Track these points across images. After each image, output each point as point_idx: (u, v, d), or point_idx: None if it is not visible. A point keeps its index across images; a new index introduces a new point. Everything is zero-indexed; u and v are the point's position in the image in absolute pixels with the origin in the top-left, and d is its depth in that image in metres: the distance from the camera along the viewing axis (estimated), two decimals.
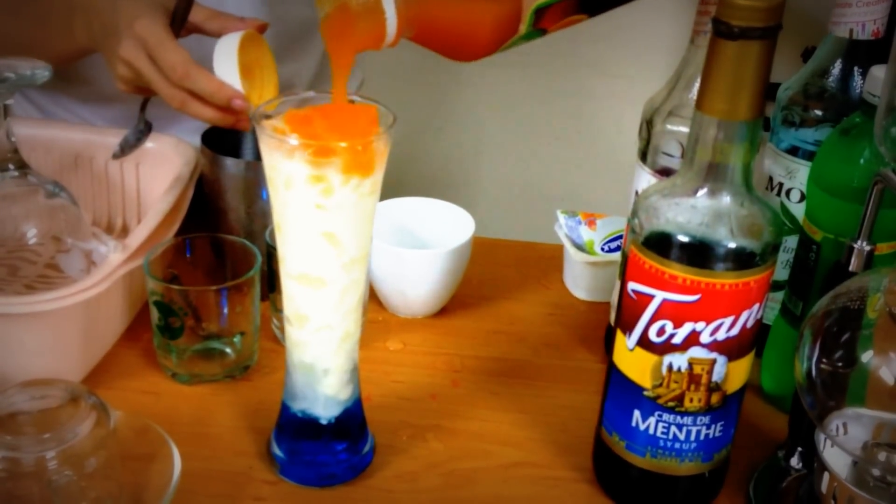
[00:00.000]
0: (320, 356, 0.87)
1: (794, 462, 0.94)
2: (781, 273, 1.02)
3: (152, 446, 0.89)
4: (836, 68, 0.96)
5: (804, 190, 0.98)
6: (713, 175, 0.79)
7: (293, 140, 0.77)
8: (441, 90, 1.41)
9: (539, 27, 0.96)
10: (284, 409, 0.92)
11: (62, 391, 0.85)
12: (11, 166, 1.02)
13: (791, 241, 1.01)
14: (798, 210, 1.00)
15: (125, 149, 1.16)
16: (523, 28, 0.94)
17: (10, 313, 0.91)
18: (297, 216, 0.81)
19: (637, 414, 0.86)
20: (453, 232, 1.15)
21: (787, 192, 1.01)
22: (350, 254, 0.83)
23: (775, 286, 1.00)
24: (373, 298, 1.16)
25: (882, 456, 0.82)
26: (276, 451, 0.92)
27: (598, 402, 0.91)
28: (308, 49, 1.38)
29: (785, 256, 1.02)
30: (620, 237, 1.21)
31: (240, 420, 0.99)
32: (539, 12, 0.95)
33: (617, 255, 1.19)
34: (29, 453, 0.80)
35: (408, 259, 1.10)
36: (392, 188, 1.46)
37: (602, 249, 1.22)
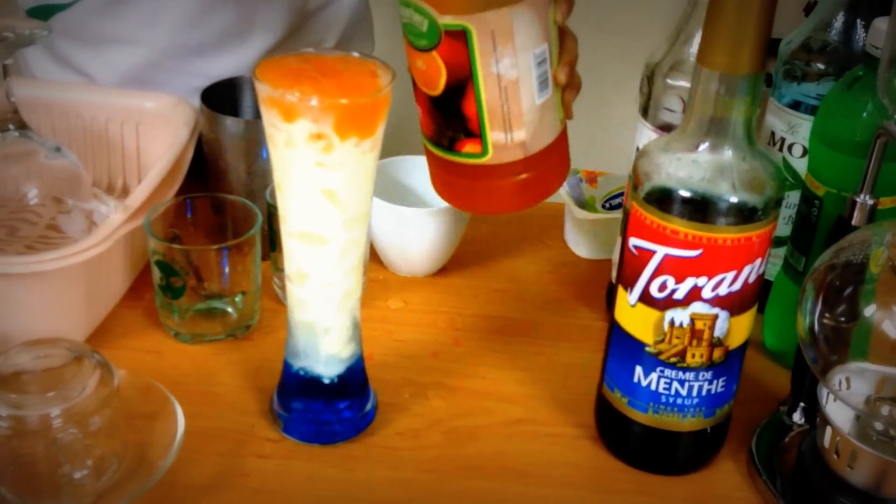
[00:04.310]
0: (322, 314, 0.87)
1: (797, 417, 0.94)
2: (784, 229, 1.01)
3: (156, 405, 0.90)
4: (839, 21, 0.95)
5: (806, 145, 0.98)
6: (715, 130, 0.78)
7: (292, 96, 0.77)
8: None
9: None
10: (286, 367, 0.92)
11: (66, 350, 0.85)
12: (12, 126, 1.02)
13: (793, 197, 1.01)
14: (800, 165, 0.99)
15: None
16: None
17: (12, 273, 0.91)
18: (298, 174, 0.81)
19: (639, 370, 0.86)
20: None
21: (790, 148, 1.00)
22: (350, 211, 0.83)
23: (777, 242, 1.00)
24: (373, 257, 1.16)
25: (885, 410, 0.82)
26: (279, 409, 0.93)
27: (600, 359, 0.91)
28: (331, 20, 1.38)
29: (787, 212, 1.02)
30: (621, 194, 1.20)
31: (242, 379, 0.99)
32: None
33: (618, 213, 1.19)
34: (33, 411, 0.80)
35: (408, 217, 1.10)
36: (393, 147, 1.46)
37: (603, 207, 1.22)
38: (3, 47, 0.97)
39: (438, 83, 0.88)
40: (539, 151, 0.92)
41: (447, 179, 0.95)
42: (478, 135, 0.89)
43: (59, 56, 1.33)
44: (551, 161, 0.94)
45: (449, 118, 0.90)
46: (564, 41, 0.92)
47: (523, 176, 0.93)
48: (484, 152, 0.90)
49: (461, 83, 0.87)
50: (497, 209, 1.00)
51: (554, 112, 0.92)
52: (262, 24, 1.27)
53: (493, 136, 0.89)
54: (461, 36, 0.85)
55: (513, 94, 0.88)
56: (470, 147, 0.90)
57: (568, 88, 0.94)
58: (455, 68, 0.87)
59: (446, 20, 0.84)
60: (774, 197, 0.79)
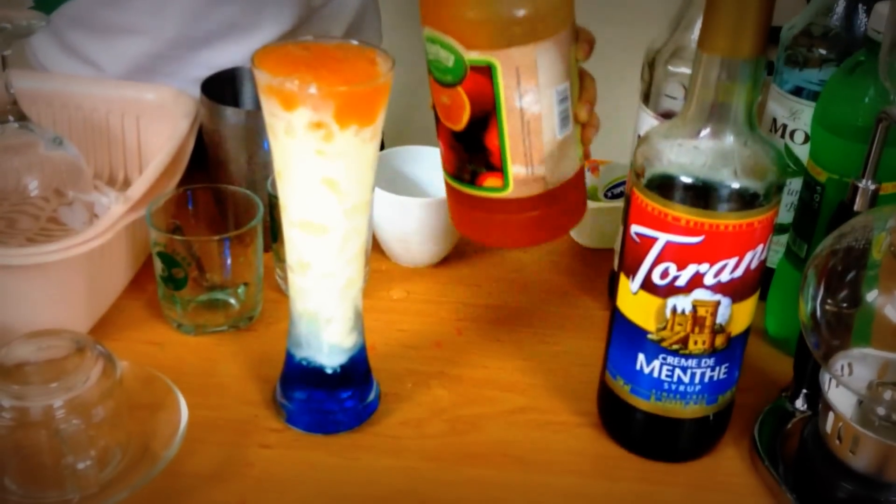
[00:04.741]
0: (324, 304, 0.87)
1: (799, 404, 0.94)
2: (786, 216, 1.01)
3: (159, 396, 0.90)
4: (840, 6, 0.95)
5: (808, 131, 0.98)
6: (716, 115, 0.78)
7: (291, 84, 0.77)
8: None
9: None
10: (289, 358, 0.92)
11: (68, 341, 0.85)
12: (11, 118, 1.02)
13: (795, 184, 1.01)
14: (802, 152, 0.99)
15: None
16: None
17: (14, 265, 0.91)
18: (298, 163, 0.81)
19: (641, 357, 0.86)
20: None
21: (792, 134, 1.00)
22: (351, 200, 0.83)
23: (779, 229, 1.00)
24: (376, 248, 1.16)
25: (887, 395, 0.82)
26: (282, 399, 0.93)
27: (602, 348, 0.91)
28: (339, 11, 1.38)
29: (789, 199, 1.02)
30: (623, 183, 1.20)
31: (245, 370, 0.99)
32: None
33: (620, 202, 1.18)
34: (36, 402, 0.80)
35: (410, 207, 1.10)
36: (395, 137, 1.46)
37: (605, 196, 1.21)
38: (2, 38, 0.97)
39: (462, 117, 0.90)
40: (558, 186, 0.94)
41: (467, 214, 0.98)
42: (499, 168, 0.92)
43: (67, 46, 1.33)
44: (570, 196, 0.96)
45: (471, 152, 0.92)
46: (584, 80, 0.94)
47: (542, 211, 0.95)
48: (505, 186, 0.92)
49: (485, 117, 0.90)
50: (515, 243, 1.03)
51: (574, 148, 0.94)
52: (270, 15, 1.27)
53: (515, 169, 0.91)
54: (486, 71, 0.87)
55: (535, 129, 0.90)
56: (491, 181, 0.93)
57: (587, 126, 0.96)
58: (479, 102, 0.89)
59: (472, 56, 0.87)
60: (776, 182, 0.79)
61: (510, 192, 0.93)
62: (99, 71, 1.31)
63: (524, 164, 0.92)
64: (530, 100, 0.89)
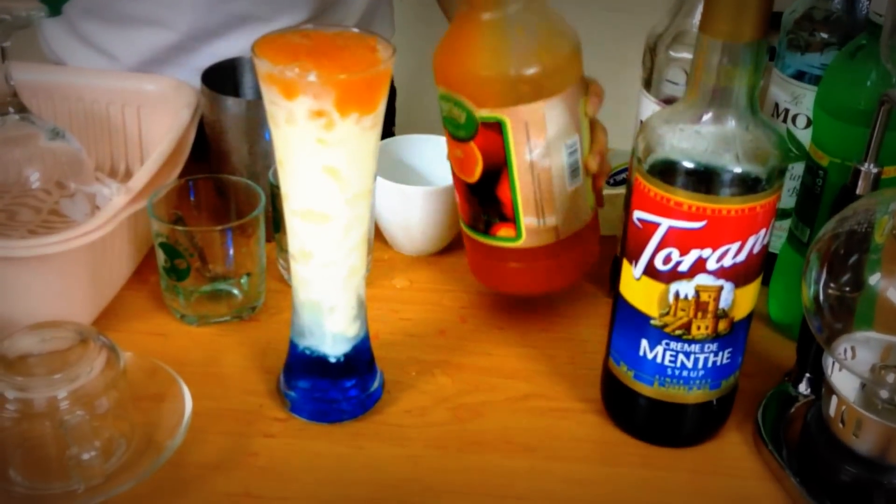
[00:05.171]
0: (326, 293, 0.87)
1: (802, 388, 0.94)
2: (788, 201, 1.01)
3: (163, 386, 0.90)
4: None
5: (811, 115, 0.98)
6: (718, 100, 0.78)
7: (291, 72, 0.77)
8: (442, 24, 1.41)
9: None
10: (292, 347, 0.92)
11: (71, 332, 0.85)
12: (12, 110, 1.02)
13: (798, 168, 1.00)
14: (804, 136, 0.99)
15: None
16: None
17: (16, 257, 0.92)
18: (299, 152, 0.81)
19: (644, 343, 0.86)
20: None
21: (794, 119, 1.00)
22: (353, 189, 0.83)
23: (782, 214, 1.00)
24: (378, 237, 1.16)
25: (890, 378, 0.82)
26: (286, 389, 0.93)
27: (605, 334, 0.91)
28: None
29: (791, 184, 1.02)
30: (626, 170, 1.20)
31: (248, 360, 0.99)
32: None
33: (623, 189, 1.18)
34: (40, 394, 0.80)
35: (412, 196, 1.10)
36: (398, 127, 1.46)
37: (608, 182, 1.21)
38: (1, 29, 0.97)
39: (475, 171, 0.95)
40: (570, 236, 0.98)
41: (483, 262, 1.02)
42: (512, 219, 0.96)
43: (81, 36, 1.33)
44: (582, 245, 1.01)
45: (485, 203, 0.97)
46: (594, 132, 0.98)
47: (554, 260, 0.99)
48: (518, 236, 0.97)
49: (497, 170, 0.94)
50: (529, 290, 1.04)
51: (585, 199, 0.99)
52: (284, 7, 1.27)
53: (527, 220, 0.96)
54: (497, 127, 0.92)
55: (545, 182, 0.94)
56: (504, 231, 0.97)
57: (598, 176, 1.00)
58: (491, 157, 0.94)
59: (483, 113, 0.92)
60: (778, 166, 0.79)
61: (523, 243, 0.97)
62: (113, 61, 1.32)
63: (536, 216, 0.96)
64: (540, 154, 0.93)
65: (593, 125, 0.98)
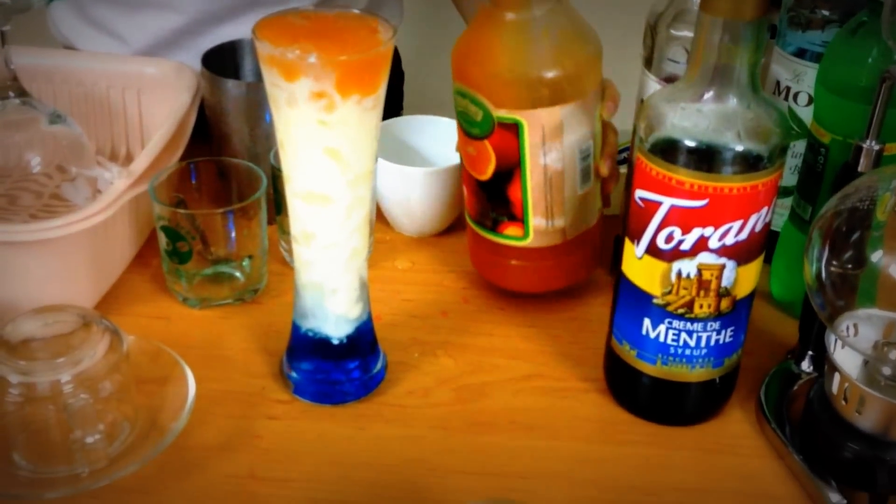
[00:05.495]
0: (329, 275, 0.87)
1: (805, 366, 0.94)
2: (790, 179, 1.01)
3: (166, 369, 0.90)
4: None
5: (812, 93, 0.97)
6: (719, 78, 0.78)
7: (292, 54, 0.76)
8: (449, 7, 1.41)
9: None
10: (295, 329, 0.92)
11: (74, 316, 0.85)
12: (12, 94, 1.01)
13: (799, 147, 1.00)
14: (806, 114, 0.99)
15: None
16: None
17: (17, 241, 0.91)
18: (300, 134, 0.81)
19: (647, 322, 0.86)
20: None
21: (795, 97, 1.00)
22: (354, 170, 0.82)
23: (783, 192, 1.00)
24: (380, 218, 1.16)
25: (893, 354, 0.82)
26: (288, 371, 0.93)
27: (608, 314, 0.92)
28: None
29: (793, 162, 1.02)
30: (628, 149, 1.20)
31: (251, 342, 0.99)
32: None
33: (625, 168, 1.18)
34: (43, 378, 0.80)
35: (413, 177, 1.10)
36: (405, 111, 1.45)
37: None
38: (1, 13, 0.96)
39: (487, 169, 0.96)
40: (577, 237, 0.99)
41: (487, 258, 1.03)
42: (520, 219, 0.97)
43: (91, 19, 1.33)
44: (588, 247, 1.02)
45: (494, 201, 0.98)
46: (606, 134, 0.99)
47: (560, 260, 1.00)
48: (525, 236, 0.98)
49: (509, 171, 0.95)
50: (531, 289, 1.04)
51: (593, 201, 1.00)
52: None
53: (535, 221, 0.97)
54: (513, 128, 0.93)
55: (557, 185, 0.95)
56: (512, 230, 0.98)
57: (608, 180, 1.01)
58: (504, 157, 0.94)
59: (500, 113, 0.92)
60: (780, 144, 0.79)
61: (529, 242, 0.98)
62: (123, 43, 1.31)
63: (545, 217, 0.97)
64: (554, 157, 0.94)
65: (605, 127, 0.99)
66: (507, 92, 0.91)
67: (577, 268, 1.03)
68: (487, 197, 0.98)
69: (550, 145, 0.93)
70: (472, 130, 0.95)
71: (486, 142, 0.94)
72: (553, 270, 1.01)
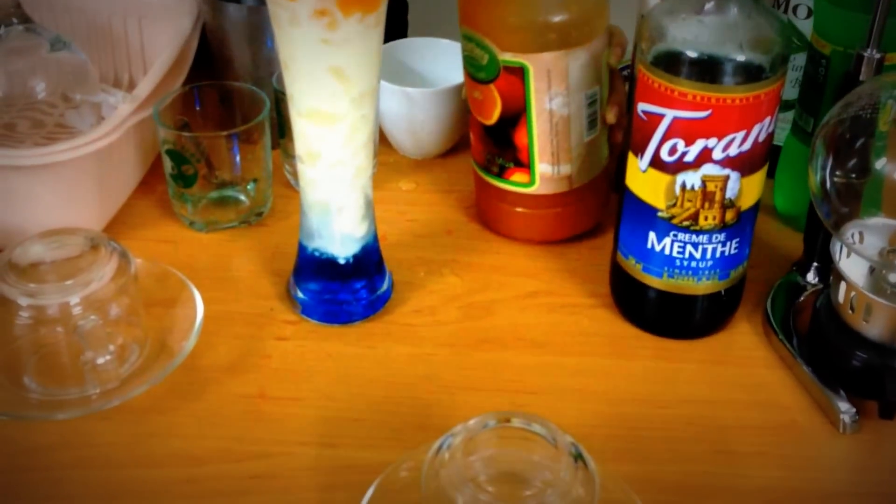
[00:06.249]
0: (334, 193, 0.87)
1: (810, 277, 0.95)
2: (791, 92, 1.01)
3: (174, 291, 0.91)
4: None
5: (811, 5, 0.97)
6: None
7: None
8: None
9: None
10: (301, 249, 0.92)
11: (82, 239, 0.86)
12: (15, 20, 1.01)
13: (799, 59, 1.00)
14: (806, 26, 0.99)
15: None
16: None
17: (24, 165, 0.92)
18: (304, 53, 0.80)
19: (652, 235, 0.86)
20: (461, 71, 1.14)
21: (794, 9, 1.00)
22: (358, 88, 0.82)
23: (785, 106, 1.00)
24: (383, 142, 1.16)
25: None
26: (296, 292, 0.93)
27: (612, 229, 0.92)
28: None
29: (794, 75, 1.01)
30: (629, 66, 1.19)
31: (258, 264, 1.00)
32: None
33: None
34: (53, 300, 0.81)
35: (416, 98, 1.09)
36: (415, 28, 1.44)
37: None
38: None
39: (493, 114, 0.96)
40: (583, 185, 0.99)
41: (493, 205, 1.03)
42: (527, 165, 0.97)
43: None
44: (593, 195, 1.02)
45: (500, 147, 0.98)
46: (614, 82, 0.99)
47: (565, 208, 1.00)
48: (531, 182, 0.98)
49: (515, 115, 0.95)
50: (537, 237, 1.04)
51: (600, 149, 0.99)
52: None
53: (541, 167, 0.97)
54: (519, 72, 0.93)
55: (563, 131, 0.95)
56: (518, 176, 0.98)
57: (615, 128, 1.01)
58: (510, 101, 0.95)
59: (506, 57, 0.92)
60: (781, 53, 0.79)
61: (535, 189, 0.98)
62: None
63: (551, 164, 0.97)
64: (560, 102, 0.94)
65: (613, 76, 0.99)
66: (513, 36, 0.92)
67: (584, 216, 1.03)
68: (493, 142, 0.98)
69: (556, 90, 0.93)
70: (477, 74, 0.95)
71: (492, 86, 0.94)
72: (559, 219, 1.01)
